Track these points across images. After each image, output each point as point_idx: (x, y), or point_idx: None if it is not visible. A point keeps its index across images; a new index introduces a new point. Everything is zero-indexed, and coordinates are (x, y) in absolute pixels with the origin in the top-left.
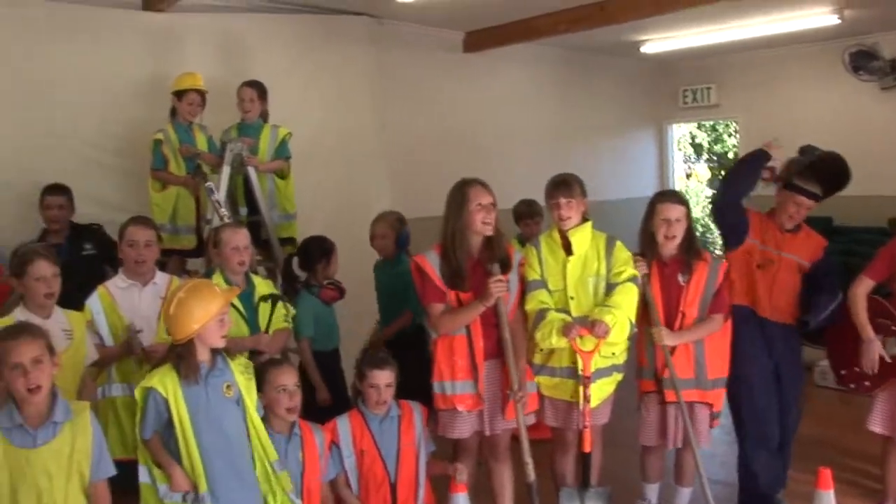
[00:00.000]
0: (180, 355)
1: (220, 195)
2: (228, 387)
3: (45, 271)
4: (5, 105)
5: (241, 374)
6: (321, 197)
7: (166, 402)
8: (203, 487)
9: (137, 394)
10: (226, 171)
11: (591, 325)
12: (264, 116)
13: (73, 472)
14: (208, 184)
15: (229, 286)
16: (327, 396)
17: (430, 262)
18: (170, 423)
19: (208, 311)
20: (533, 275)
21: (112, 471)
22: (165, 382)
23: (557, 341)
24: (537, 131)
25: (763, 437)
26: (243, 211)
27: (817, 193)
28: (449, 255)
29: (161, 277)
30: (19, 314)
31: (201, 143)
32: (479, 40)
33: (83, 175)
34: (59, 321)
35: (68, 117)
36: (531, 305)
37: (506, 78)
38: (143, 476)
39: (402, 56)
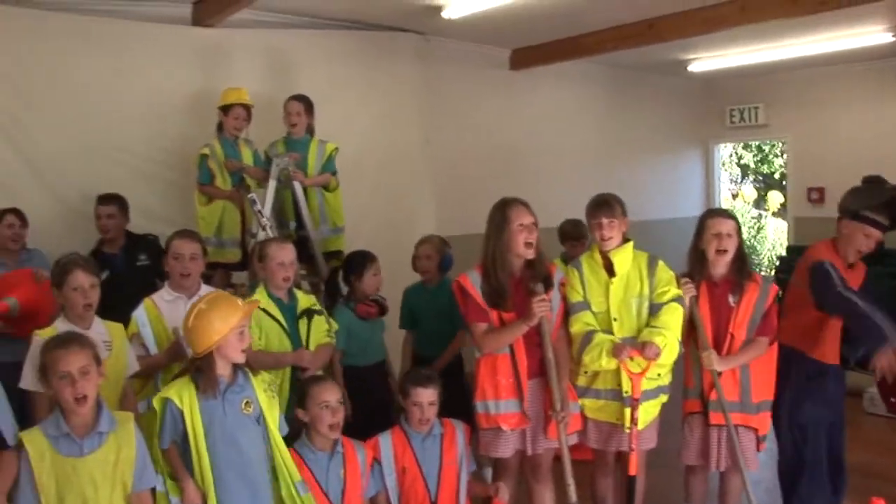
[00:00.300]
0: (199, 368)
1: (266, 208)
2: (247, 403)
3: (83, 281)
4: (58, 118)
5: (263, 392)
6: (366, 212)
7: (182, 413)
8: (212, 502)
9: (155, 403)
10: (272, 185)
11: (641, 346)
12: (311, 131)
13: (118, 481)
14: (251, 195)
15: (269, 300)
16: (349, 413)
17: (472, 282)
18: (185, 435)
19: (227, 324)
20: (576, 296)
21: (154, 481)
22: (182, 394)
23: (607, 363)
24: (582, 149)
25: (822, 481)
26: (292, 226)
27: (888, 225)
28: (490, 275)
29: (206, 291)
30: (60, 324)
31: (247, 158)
32: (526, 57)
33: (131, 187)
34: (99, 332)
35: (118, 130)
36: (576, 328)
37: (551, 95)
38: (158, 485)
39: (448, 73)
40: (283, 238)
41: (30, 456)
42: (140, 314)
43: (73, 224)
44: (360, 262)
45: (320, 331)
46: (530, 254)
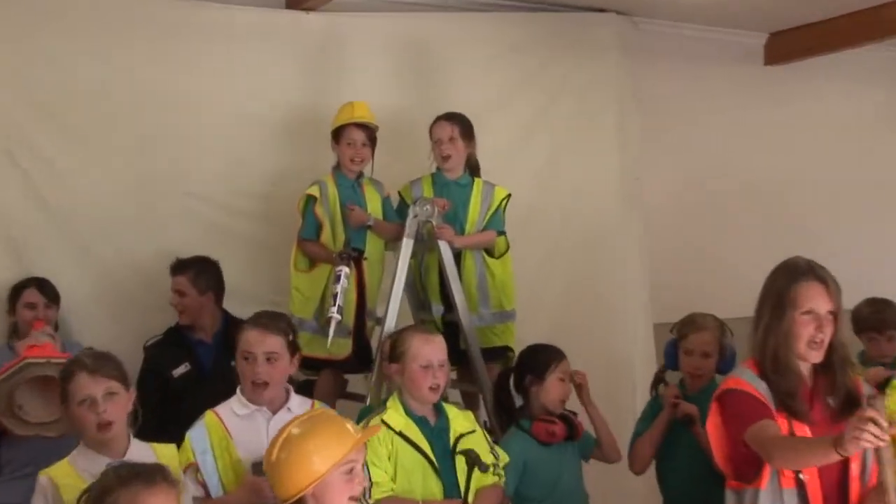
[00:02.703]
0: None
1: (397, 282)
2: None
3: (91, 390)
4: (92, 145)
5: None
6: (543, 286)
7: None
8: None
9: None
10: (407, 246)
11: None
12: (472, 168)
13: None
14: (339, 269)
15: (407, 419)
16: None
17: (750, 383)
18: None
19: (329, 459)
20: None
21: None
22: None
23: None
24: (888, 186)
25: None
26: (437, 309)
27: None
28: (769, 376)
29: (299, 403)
30: (78, 458)
31: (373, 205)
32: (792, 45)
33: (199, 246)
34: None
35: (180, 164)
36: None
37: (834, 103)
38: None
39: (668, 71)
40: (426, 328)
41: None
42: (198, 435)
43: (115, 302)
44: (538, 361)
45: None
46: (816, 356)
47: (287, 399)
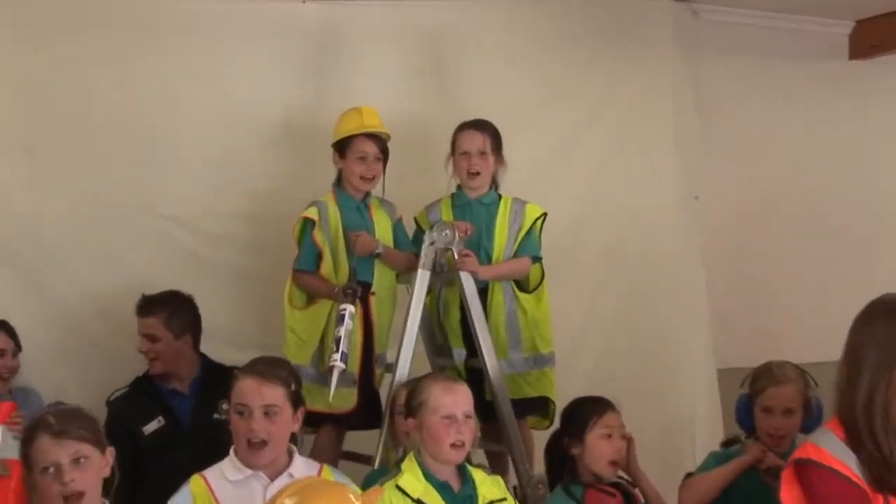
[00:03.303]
0: None
1: (411, 322)
2: None
3: (55, 455)
4: (50, 161)
5: None
6: (588, 325)
7: None
8: None
9: None
10: (422, 278)
11: None
12: (495, 184)
13: None
14: (343, 307)
15: (427, 484)
16: None
17: (839, 458)
18: None
19: None
20: None
21: None
22: None
23: None
24: None
25: None
26: (459, 354)
27: None
28: (866, 443)
29: (304, 466)
30: None
31: (382, 230)
32: (882, 35)
33: (174, 279)
34: None
35: (148, 182)
36: None
37: None
38: None
39: (732, 69)
40: (446, 376)
41: None
42: (182, 502)
43: (75, 348)
44: (575, 417)
45: None
46: None
47: (289, 462)
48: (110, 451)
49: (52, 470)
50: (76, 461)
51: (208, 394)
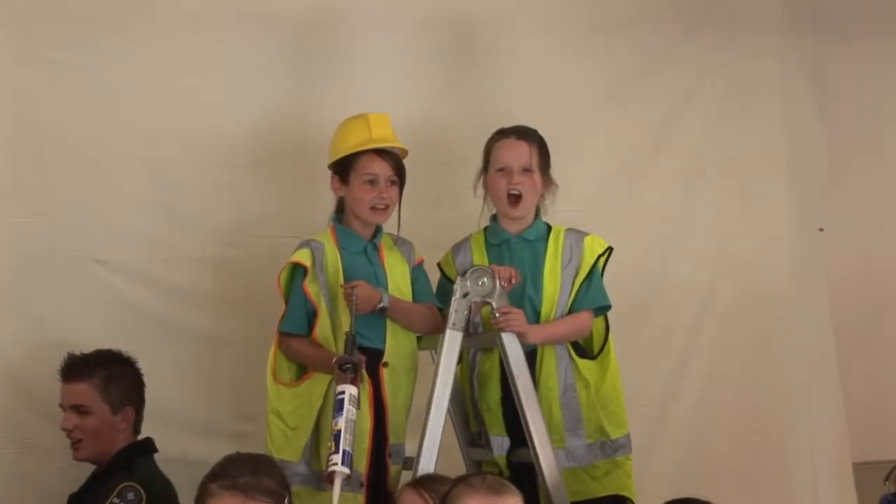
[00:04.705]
0: None
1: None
2: None
3: None
4: None
5: None
6: (672, 400)
7: None
8: None
9: None
10: (452, 342)
11: None
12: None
13: None
14: (340, 390)
15: None
16: None
17: None
18: None
19: None
20: None
21: None
22: None
23: None
24: None
25: None
26: (500, 444)
27: None
28: None
29: None
30: None
31: (397, 278)
32: None
33: (110, 340)
34: None
35: (81, 217)
36: None
37: None
38: None
39: (860, 55)
40: (488, 476)
41: None
42: None
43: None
44: None
45: None
46: None
47: None
48: None
49: None
50: None
51: (98, 488)
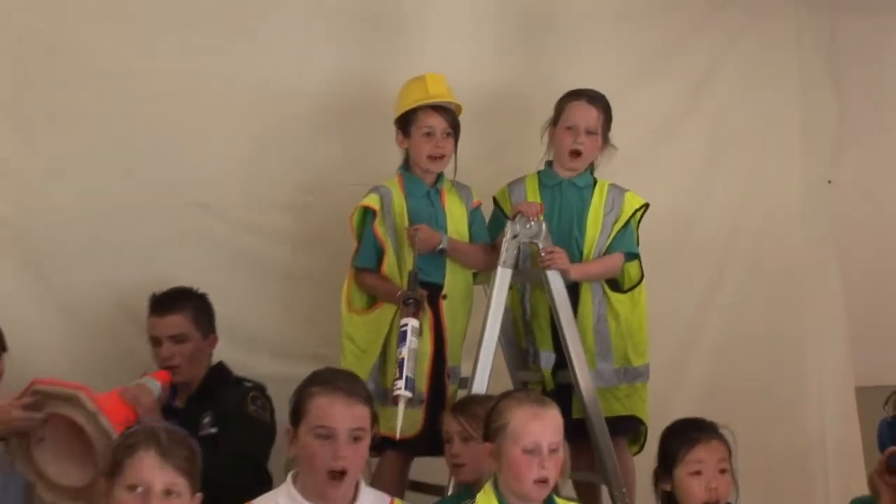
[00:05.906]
0: None
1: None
2: None
3: (153, 478)
4: (55, 142)
5: None
6: (695, 334)
7: None
8: None
9: None
10: (503, 278)
11: None
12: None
13: None
14: (404, 322)
15: None
16: None
17: None
18: None
19: None
20: None
21: None
22: None
23: None
24: None
25: None
26: (548, 358)
27: None
28: None
29: (371, 499)
30: None
31: (455, 220)
32: None
33: (209, 279)
34: None
35: (177, 166)
36: None
37: None
38: None
39: (874, 22)
40: (532, 395)
41: None
42: None
43: (90, 346)
44: (665, 447)
45: None
46: None
47: (356, 494)
48: (198, 498)
49: (140, 490)
50: (167, 493)
51: (196, 408)
